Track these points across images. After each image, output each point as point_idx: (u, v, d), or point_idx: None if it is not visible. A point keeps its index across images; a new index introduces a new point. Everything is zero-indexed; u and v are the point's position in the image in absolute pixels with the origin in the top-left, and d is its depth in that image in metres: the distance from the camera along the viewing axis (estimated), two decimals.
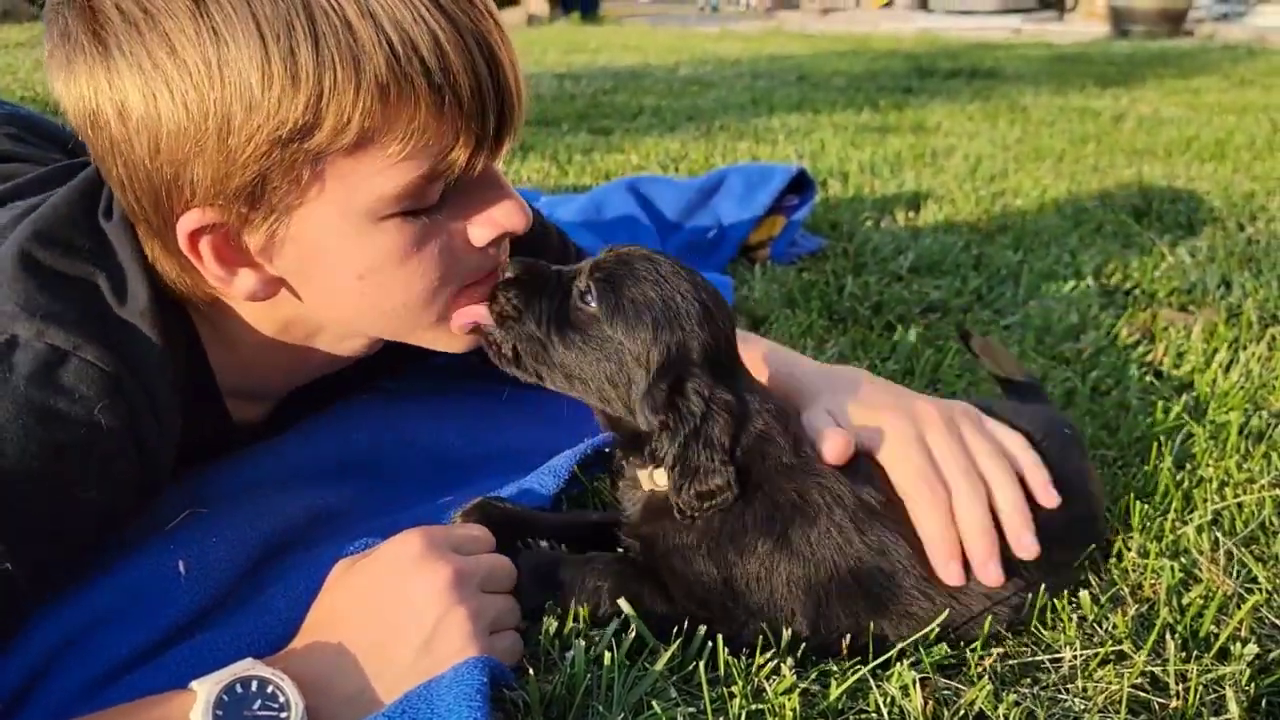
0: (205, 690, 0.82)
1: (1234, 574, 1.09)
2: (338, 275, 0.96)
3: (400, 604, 0.88)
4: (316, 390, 1.25)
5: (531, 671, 0.88)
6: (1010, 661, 0.97)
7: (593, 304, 0.97)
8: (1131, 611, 1.02)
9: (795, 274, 2.14)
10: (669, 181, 2.48)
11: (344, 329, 1.07)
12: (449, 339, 1.07)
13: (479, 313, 1.03)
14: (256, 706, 0.82)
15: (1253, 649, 0.95)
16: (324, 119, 0.85)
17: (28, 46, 6.57)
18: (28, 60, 5.80)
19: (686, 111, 4.39)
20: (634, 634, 0.94)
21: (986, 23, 10.66)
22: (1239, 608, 1.02)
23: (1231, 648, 0.96)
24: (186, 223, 0.90)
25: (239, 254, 0.94)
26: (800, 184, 2.37)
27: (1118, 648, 0.97)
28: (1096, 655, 0.96)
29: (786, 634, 0.94)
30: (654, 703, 0.86)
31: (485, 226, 0.99)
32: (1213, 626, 1.00)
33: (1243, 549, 1.13)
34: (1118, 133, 3.96)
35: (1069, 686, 0.93)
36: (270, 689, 0.83)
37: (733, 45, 8.10)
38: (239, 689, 0.83)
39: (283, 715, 0.83)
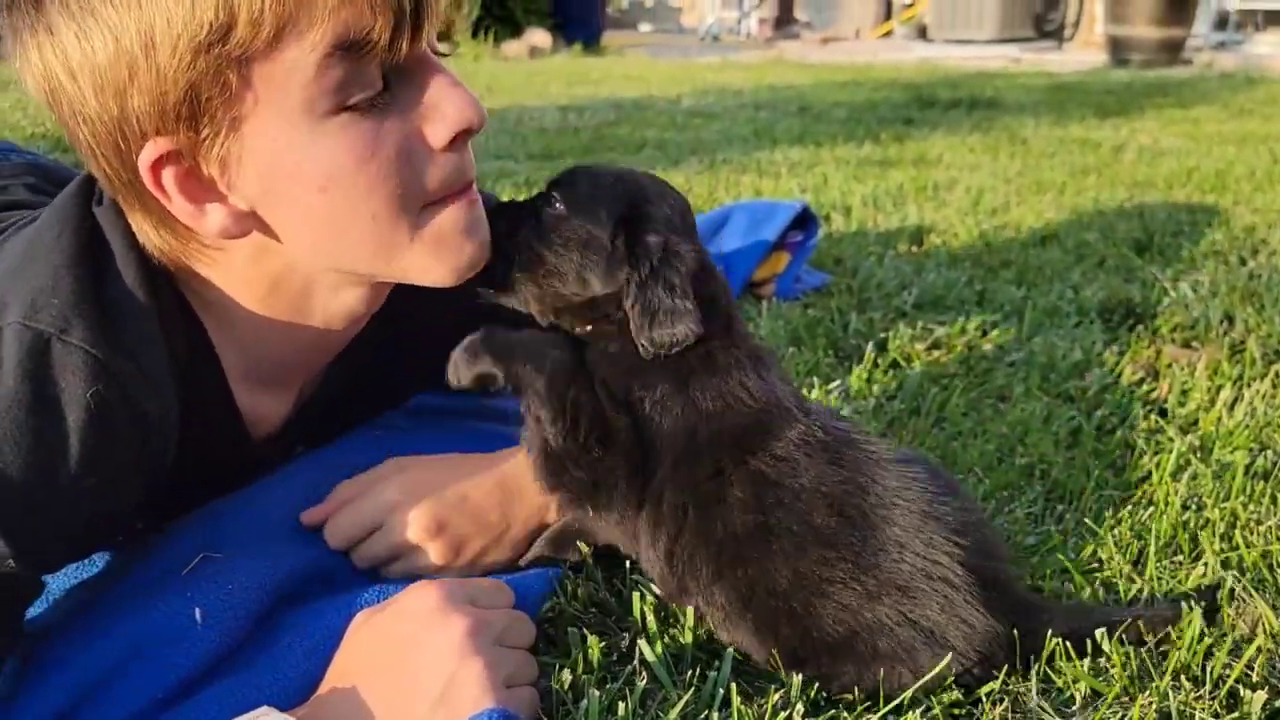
0: None
1: (1245, 619, 1.10)
2: (301, 192, 0.95)
3: (417, 655, 0.89)
4: (327, 407, 1.25)
5: None
6: (1019, 711, 0.97)
7: (559, 206, 1.06)
8: (1141, 656, 1.03)
9: (800, 310, 2.16)
10: None
11: (326, 268, 1.05)
12: (433, 265, 1.03)
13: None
14: None
15: (1262, 695, 0.96)
16: (238, 15, 0.86)
17: None
18: None
19: (690, 145, 4.42)
20: (645, 682, 0.95)
21: (985, 52, 10.73)
22: (1249, 652, 1.02)
23: (1242, 693, 0.97)
24: (145, 158, 0.91)
25: (202, 187, 0.94)
26: (804, 220, 2.40)
27: (1126, 698, 0.97)
28: (1106, 700, 0.96)
29: None
30: None
31: (439, 124, 0.98)
32: (1224, 670, 1.01)
33: (1254, 592, 1.13)
34: (1118, 164, 3.99)
35: None
36: None
37: (734, 75, 8.17)
38: None
39: None
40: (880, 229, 2.91)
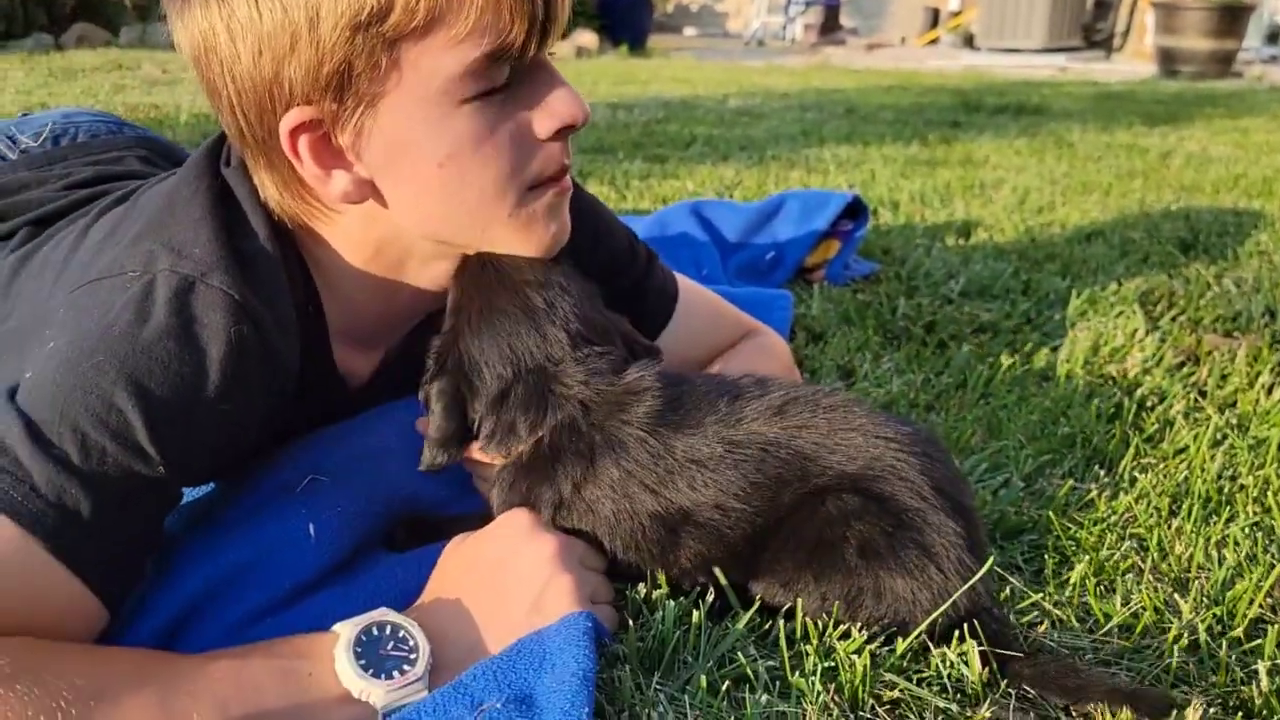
0: (347, 631, 0.94)
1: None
2: (421, 166, 1.05)
3: (511, 570, 1.00)
4: (409, 364, 1.36)
5: (631, 623, 0.99)
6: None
7: None
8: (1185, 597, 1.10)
9: (850, 294, 2.24)
10: (730, 204, 2.59)
11: (427, 236, 1.14)
12: (522, 242, 1.13)
13: None
14: (390, 648, 0.94)
15: None
16: (395, 1, 0.95)
17: (104, 70, 6.86)
18: (106, 84, 6.06)
19: (739, 141, 4.51)
20: (713, 598, 1.04)
21: (1033, 61, 10.71)
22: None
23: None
24: (288, 121, 1.00)
25: (332, 153, 1.04)
26: (855, 210, 2.48)
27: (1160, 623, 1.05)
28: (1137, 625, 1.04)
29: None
30: (738, 653, 0.97)
31: (547, 117, 1.08)
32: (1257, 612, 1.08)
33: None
34: (1165, 169, 4.02)
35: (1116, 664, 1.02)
36: (402, 633, 0.95)
37: (780, 79, 8.24)
38: (375, 631, 0.95)
39: (411, 656, 0.94)
40: (927, 223, 2.99)
